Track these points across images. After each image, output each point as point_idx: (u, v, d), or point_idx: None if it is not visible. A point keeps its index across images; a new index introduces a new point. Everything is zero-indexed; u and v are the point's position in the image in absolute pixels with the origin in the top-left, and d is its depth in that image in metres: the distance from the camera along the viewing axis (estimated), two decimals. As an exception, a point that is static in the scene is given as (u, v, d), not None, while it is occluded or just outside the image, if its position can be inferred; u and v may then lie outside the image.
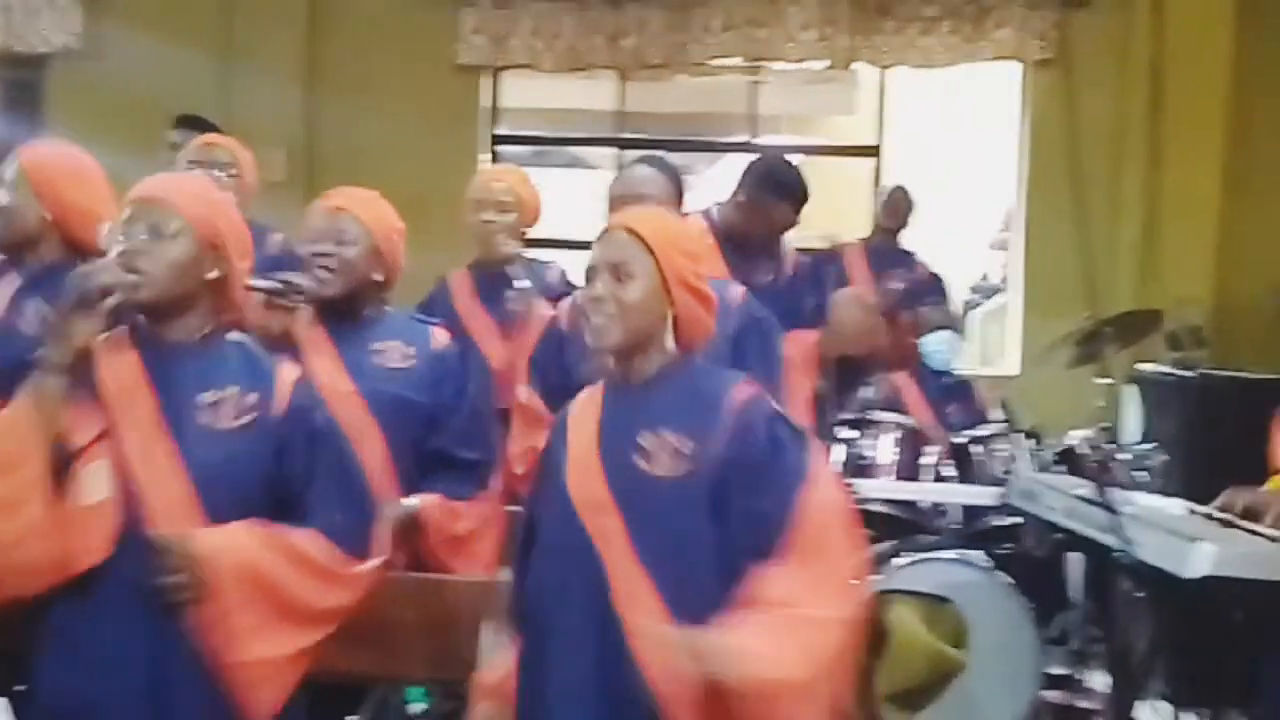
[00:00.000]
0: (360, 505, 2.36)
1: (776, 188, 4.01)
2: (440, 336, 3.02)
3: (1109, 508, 2.84)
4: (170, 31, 6.68)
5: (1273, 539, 2.90)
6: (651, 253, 2.28)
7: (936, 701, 4.14)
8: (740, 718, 2.09)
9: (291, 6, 6.80)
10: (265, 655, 2.19)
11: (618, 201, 3.02)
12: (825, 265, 4.61)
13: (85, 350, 2.24)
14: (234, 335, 2.40)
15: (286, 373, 2.37)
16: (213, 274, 2.31)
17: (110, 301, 2.21)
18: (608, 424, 2.31)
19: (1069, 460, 4.46)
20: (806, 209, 4.12)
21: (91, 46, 6.82)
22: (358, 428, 2.80)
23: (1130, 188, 6.52)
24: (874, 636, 4.16)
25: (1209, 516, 3.15)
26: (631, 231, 2.31)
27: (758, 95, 7.29)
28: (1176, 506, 3.17)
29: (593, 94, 7.62)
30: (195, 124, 4.65)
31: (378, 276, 2.93)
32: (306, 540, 2.27)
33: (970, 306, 8.32)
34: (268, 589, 2.21)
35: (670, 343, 2.32)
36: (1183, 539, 2.72)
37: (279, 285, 2.84)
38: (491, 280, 3.96)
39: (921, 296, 5.44)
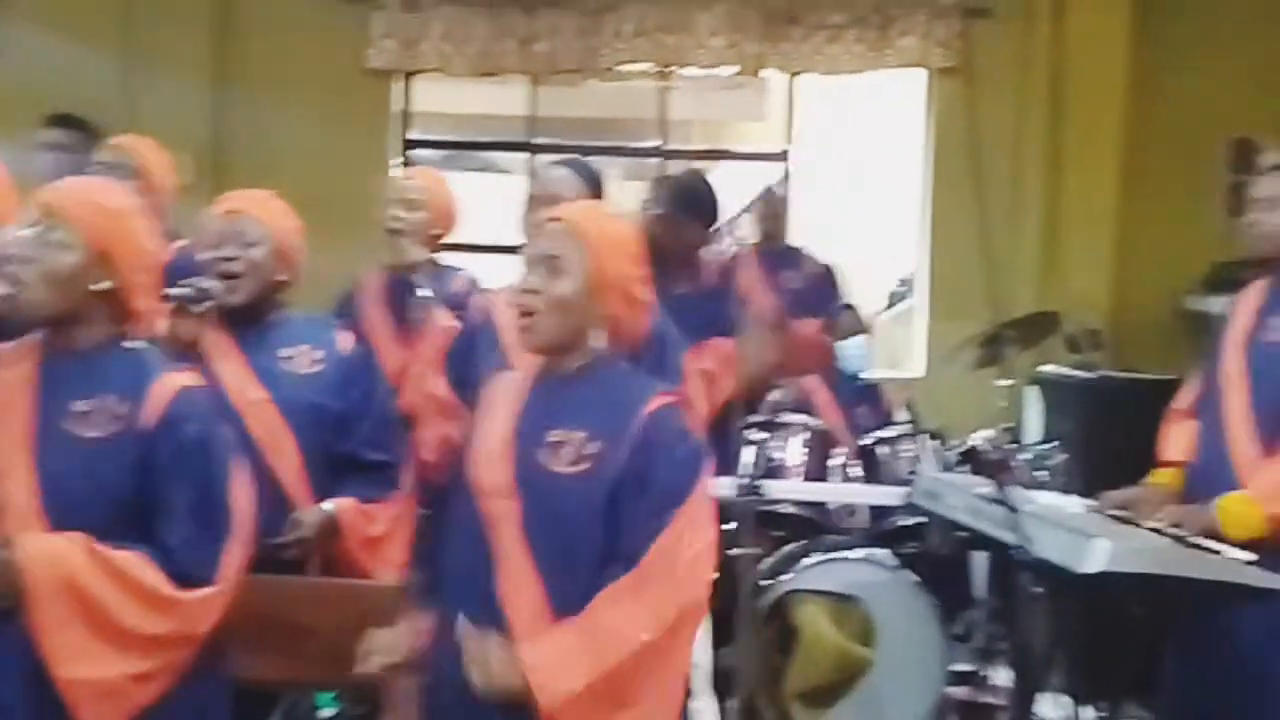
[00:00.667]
0: (215, 526, 2.30)
1: (689, 206, 4.06)
2: (345, 339, 3.02)
3: (1007, 505, 2.91)
4: (73, 31, 6.58)
5: (1166, 534, 3.00)
6: (586, 248, 2.29)
7: (844, 699, 4.21)
8: None
9: (198, 6, 6.70)
10: (89, 676, 2.15)
11: (534, 202, 3.06)
12: (727, 273, 4.62)
13: None
14: (136, 343, 2.37)
15: (168, 382, 2.32)
16: (102, 285, 2.28)
17: None
18: (526, 414, 2.32)
19: (971, 460, 4.55)
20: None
21: (-7, 46, 6.70)
22: (272, 436, 2.81)
23: (1031, 193, 6.65)
24: (783, 635, 4.23)
25: (1105, 514, 3.25)
26: (569, 226, 2.32)
27: (668, 101, 7.34)
28: (1074, 504, 3.26)
29: (505, 99, 7.60)
30: (69, 123, 4.58)
31: (282, 277, 2.93)
32: (136, 563, 2.20)
33: (897, 300, 8.39)
34: (89, 608, 2.15)
35: (600, 341, 2.32)
36: (1080, 535, 2.79)
37: (191, 292, 2.82)
38: (399, 285, 3.95)
39: (817, 293, 5.48)
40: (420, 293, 3.78)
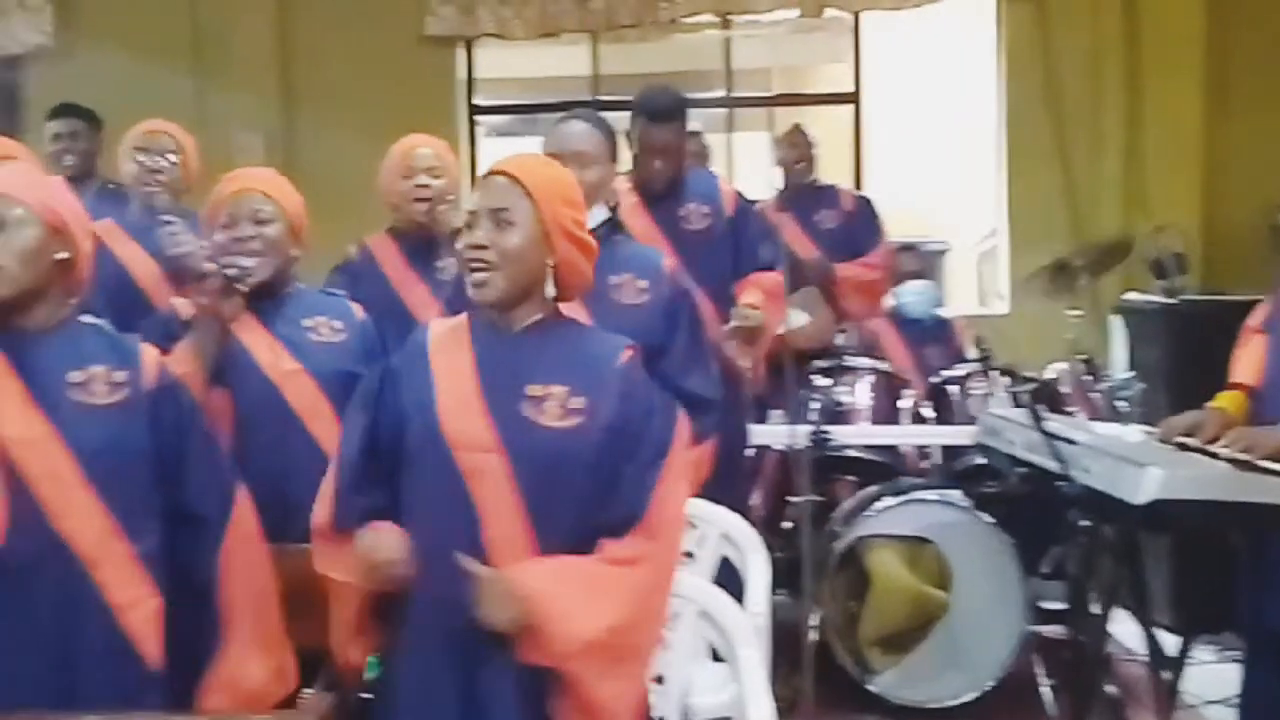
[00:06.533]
0: (225, 470, 2.43)
1: (638, 112, 3.89)
2: (356, 307, 3.03)
3: (1042, 432, 2.83)
4: (139, 31, 6.74)
5: (1225, 458, 2.88)
6: (532, 199, 2.27)
7: (922, 643, 4.15)
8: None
9: (258, -1, 6.81)
10: None
11: (552, 158, 3.00)
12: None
13: None
14: (87, 318, 2.39)
15: (150, 352, 2.37)
16: (61, 255, 2.29)
17: None
18: (485, 368, 2.29)
19: (1046, 394, 4.43)
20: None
21: (64, 47, 6.85)
22: (312, 405, 2.82)
23: (1111, 118, 6.46)
24: (857, 581, 4.18)
25: (1169, 441, 3.12)
26: (512, 178, 2.29)
27: (732, 50, 7.23)
28: (1134, 434, 3.14)
29: (570, 59, 7.56)
30: (73, 112, 4.74)
31: (295, 252, 2.94)
32: None
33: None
34: None
35: (550, 291, 2.31)
36: (1131, 465, 2.70)
37: (236, 272, 2.79)
38: (417, 246, 3.87)
39: (855, 230, 5.29)
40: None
